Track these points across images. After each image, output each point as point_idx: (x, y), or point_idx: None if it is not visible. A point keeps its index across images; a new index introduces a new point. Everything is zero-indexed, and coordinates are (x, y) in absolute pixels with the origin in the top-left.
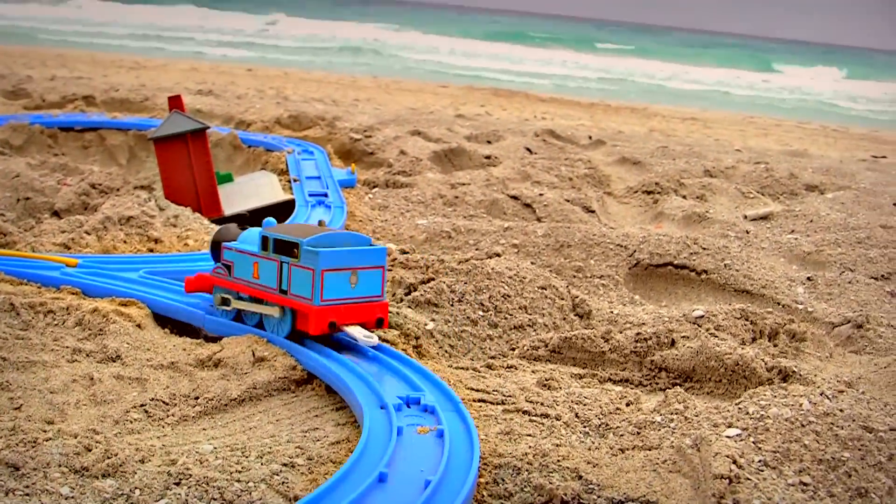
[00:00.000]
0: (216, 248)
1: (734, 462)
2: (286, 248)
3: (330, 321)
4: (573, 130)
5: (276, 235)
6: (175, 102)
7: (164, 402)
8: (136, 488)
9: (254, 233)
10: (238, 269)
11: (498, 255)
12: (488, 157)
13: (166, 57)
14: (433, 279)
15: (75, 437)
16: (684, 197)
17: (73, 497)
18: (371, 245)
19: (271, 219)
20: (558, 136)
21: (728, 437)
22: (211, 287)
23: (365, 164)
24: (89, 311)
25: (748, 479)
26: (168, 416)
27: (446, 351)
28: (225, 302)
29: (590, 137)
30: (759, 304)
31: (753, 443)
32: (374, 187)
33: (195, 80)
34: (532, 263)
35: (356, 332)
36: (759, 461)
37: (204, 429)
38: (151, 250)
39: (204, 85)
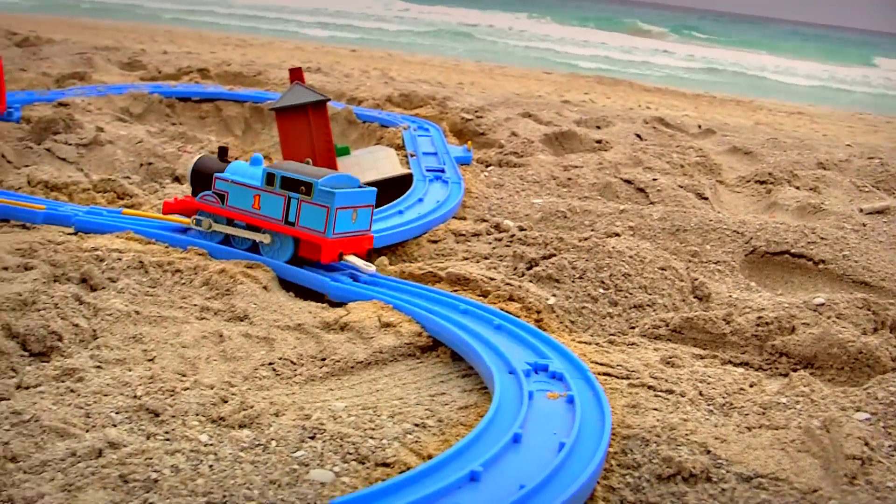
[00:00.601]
0: (200, 176)
1: (866, 444)
2: (295, 186)
3: (339, 251)
4: (682, 119)
5: (284, 173)
6: (296, 74)
7: (291, 362)
8: (272, 440)
9: (243, 166)
10: (234, 199)
11: (617, 234)
12: (599, 142)
13: (271, 36)
14: (555, 255)
15: (211, 388)
16: (797, 188)
17: (211, 444)
18: (366, 187)
19: (259, 154)
20: (668, 124)
21: (858, 420)
22: (192, 212)
23: (476, 144)
24: (216, 271)
25: (880, 461)
26: (296, 375)
27: (567, 326)
28: (209, 226)
29: (699, 127)
30: (879, 295)
31: (884, 427)
32: (489, 166)
33: (300, 59)
34: (652, 245)
35: (356, 260)
36: (890, 446)
37: (331, 389)
38: None
39: (310, 63)
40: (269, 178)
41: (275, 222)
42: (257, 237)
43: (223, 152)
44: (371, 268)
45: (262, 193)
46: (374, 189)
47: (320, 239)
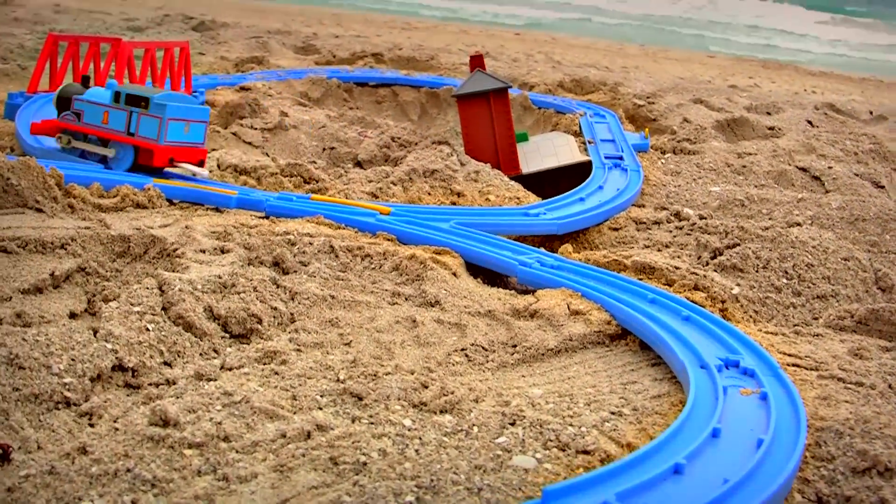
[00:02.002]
0: (63, 100)
1: None
2: (136, 101)
3: (170, 157)
4: (854, 105)
5: (127, 91)
6: (477, 62)
7: (483, 348)
8: (473, 425)
9: (98, 90)
10: (88, 116)
11: (799, 224)
12: (771, 129)
13: (434, 20)
14: (738, 244)
15: (412, 374)
16: None
17: (415, 429)
18: (201, 105)
19: (113, 81)
20: (838, 109)
21: None
22: (56, 130)
23: (647, 128)
24: (406, 257)
25: None
26: (488, 362)
27: (751, 316)
28: (68, 142)
29: (870, 113)
30: None
31: None
32: (665, 153)
33: (465, 42)
34: (834, 235)
35: (188, 166)
36: None
37: (523, 375)
38: (454, 203)
39: (475, 47)
40: (116, 96)
41: (119, 134)
42: (104, 151)
43: (85, 80)
44: (204, 172)
45: (110, 110)
46: (208, 108)
47: (153, 145)
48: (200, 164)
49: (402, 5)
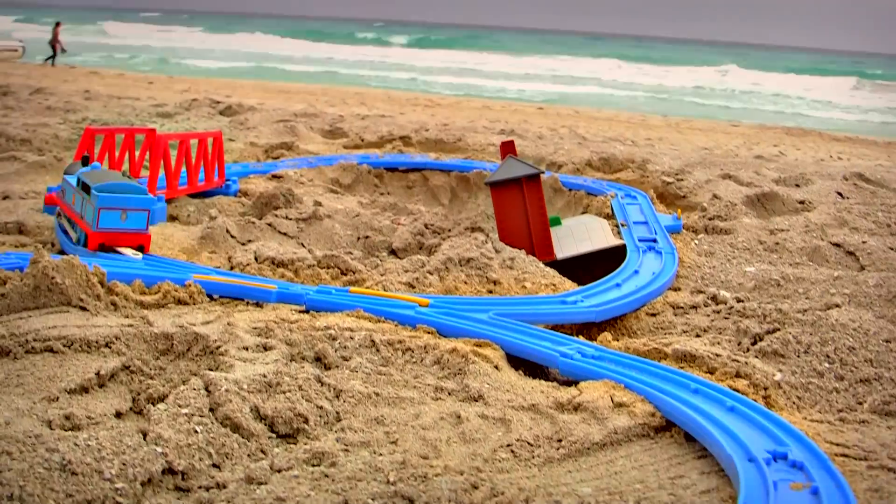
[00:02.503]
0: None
1: None
2: (85, 188)
3: (100, 243)
4: (883, 173)
5: (83, 177)
6: (508, 147)
7: (528, 443)
8: None
9: (86, 170)
10: (67, 196)
11: (838, 305)
12: (802, 202)
13: (457, 97)
14: (778, 329)
15: (461, 474)
16: None
17: None
18: (144, 195)
19: (98, 163)
20: (868, 179)
21: None
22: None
23: (679, 207)
24: (447, 350)
25: None
26: (534, 457)
27: (794, 402)
28: (58, 214)
29: None
30: None
31: None
32: (697, 233)
33: (489, 118)
34: (873, 315)
35: (125, 250)
36: None
37: (570, 471)
38: (491, 291)
39: (498, 123)
40: (78, 181)
41: (78, 217)
42: (71, 233)
43: (85, 160)
44: (138, 256)
45: (76, 194)
46: (150, 198)
47: (88, 231)
48: (140, 248)
49: (421, 84)
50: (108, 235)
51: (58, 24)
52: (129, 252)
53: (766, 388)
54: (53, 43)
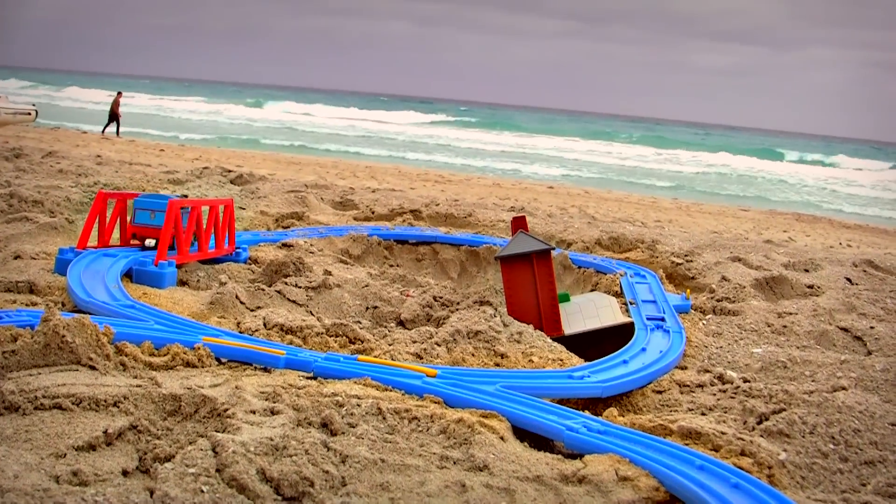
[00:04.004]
0: None
1: None
2: None
3: (133, 233)
4: (893, 261)
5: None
6: (519, 223)
7: None
8: None
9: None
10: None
11: (844, 388)
12: (810, 287)
13: (467, 173)
14: (784, 409)
15: None
16: None
17: None
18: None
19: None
20: (877, 266)
21: None
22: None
23: (687, 288)
24: (454, 420)
25: None
26: None
27: (798, 482)
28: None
29: None
30: None
31: None
32: (706, 313)
33: (499, 196)
34: (879, 399)
35: (149, 241)
36: None
37: None
38: (498, 364)
39: (508, 200)
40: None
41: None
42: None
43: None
44: (150, 242)
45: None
46: (167, 197)
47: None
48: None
49: (432, 163)
50: (139, 228)
51: (119, 94)
52: (149, 242)
53: (770, 467)
54: (115, 111)
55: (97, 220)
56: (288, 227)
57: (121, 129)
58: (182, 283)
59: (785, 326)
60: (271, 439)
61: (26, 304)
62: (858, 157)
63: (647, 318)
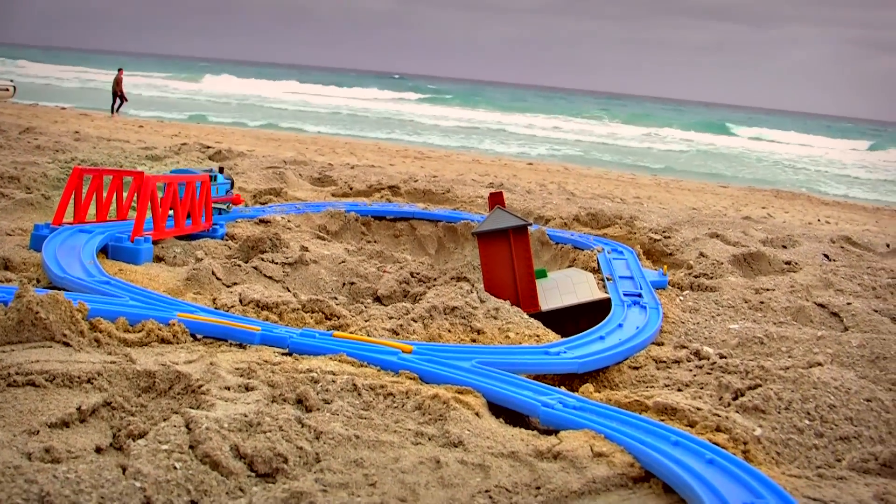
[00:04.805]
0: None
1: None
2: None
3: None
4: (870, 237)
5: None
6: (496, 199)
7: (507, 490)
8: None
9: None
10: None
11: (819, 364)
12: (788, 263)
13: (447, 150)
14: (759, 385)
15: None
16: None
17: None
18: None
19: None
20: (855, 242)
21: None
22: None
23: (665, 264)
24: (429, 396)
25: None
26: None
27: (773, 458)
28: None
29: (887, 246)
30: None
31: None
32: (682, 289)
33: (478, 172)
34: (855, 374)
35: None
36: None
37: None
38: (474, 340)
39: (487, 177)
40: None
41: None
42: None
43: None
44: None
45: None
46: (228, 180)
47: None
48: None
49: (420, 133)
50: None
51: (120, 71)
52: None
53: (745, 443)
54: (117, 90)
55: (73, 196)
56: (266, 203)
57: (120, 109)
58: (158, 259)
59: (762, 302)
60: (245, 416)
61: (1, 281)
62: (829, 136)
63: (624, 294)
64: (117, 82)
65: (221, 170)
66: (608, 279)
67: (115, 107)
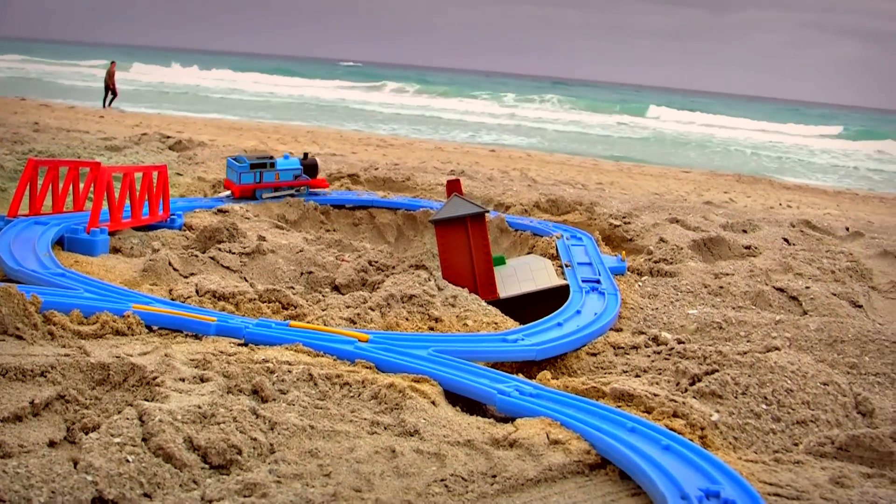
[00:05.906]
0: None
1: None
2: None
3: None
4: (830, 221)
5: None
6: (454, 186)
7: (462, 479)
8: None
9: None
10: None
11: (777, 348)
12: (748, 248)
13: (410, 138)
14: (717, 370)
15: None
16: None
17: None
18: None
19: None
20: (814, 226)
21: None
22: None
23: (625, 250)
24: (385, 385)
25: None
26: (467, 492)
27: (730, 443)
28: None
29: (847, 229)
30: None
31: None
32: (642, 275)
33: (440, 160)
34: (812, 358)
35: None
36: None
37: None
38: (432, 328)
39: (449, 164)
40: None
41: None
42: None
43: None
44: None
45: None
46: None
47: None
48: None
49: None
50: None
51: (113, 64)
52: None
53: (702, 428)
54: (109, 83)
55: (28, 187)
56: (224, 192)
57: (113, 102)
58: (115, 250)
59: (721, 287)
60: (199, 407)
61: None
62: (788, 122)
63: (583, 281)
64: (110, 75)
65: (306, 156)
66: (567, 266)
67: (107, 101)
